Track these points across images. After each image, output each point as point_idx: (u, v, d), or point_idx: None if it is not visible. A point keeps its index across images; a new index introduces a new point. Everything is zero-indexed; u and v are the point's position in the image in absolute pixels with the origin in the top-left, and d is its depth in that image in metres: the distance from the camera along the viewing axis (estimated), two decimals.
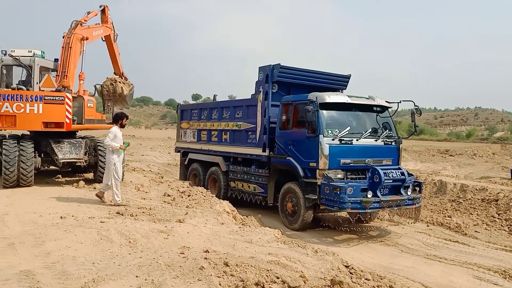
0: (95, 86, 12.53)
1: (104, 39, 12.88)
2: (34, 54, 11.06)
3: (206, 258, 4.98)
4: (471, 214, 10.43)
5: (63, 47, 10.93)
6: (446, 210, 10.97)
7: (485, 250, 8.16)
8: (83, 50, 11.18)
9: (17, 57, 10.92)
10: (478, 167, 18.56)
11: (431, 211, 11.05)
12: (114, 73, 13.47)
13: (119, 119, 8.72)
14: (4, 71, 11.04)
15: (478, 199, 11.09)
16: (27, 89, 10.33)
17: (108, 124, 11.69)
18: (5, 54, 10.93)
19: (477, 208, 10.68)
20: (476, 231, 9.31)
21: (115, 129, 8.53)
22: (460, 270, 6.92)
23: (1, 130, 10.80)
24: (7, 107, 9.71)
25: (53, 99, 10.00)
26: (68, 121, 10.04)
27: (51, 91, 10.28)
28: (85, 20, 11.56)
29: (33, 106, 9.87)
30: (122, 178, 10.84)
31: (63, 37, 11.00)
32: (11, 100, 9.73)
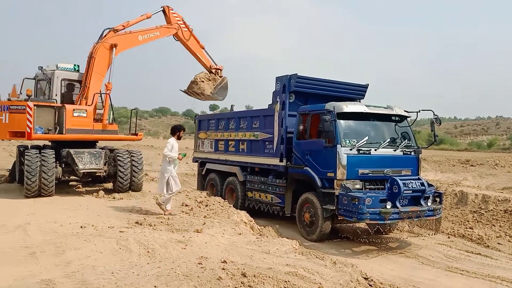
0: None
1: (176, 39, 13.01)
2: (57, 67, 11.37)
3: (223, 269, 4.97)
4: (494, 225, 10.20)
5: (88, 57, 11.18)
6: (468, 221, 10.75)
7: (509, 262, 7.95)
8: (112, 58, 11.28)
9: (44, 72, 11.30)
10: (500, 177, 18.16)
11: (452, 223, 10.84)
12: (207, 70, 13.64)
13: (176, 131, 8.90)
14: (38, 85, 11.64)
15: (501, 210, 10.84)
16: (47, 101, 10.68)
17: (125, 135, 11.82)
18: (40, 69, 11.37)
19: (499, 219, 10.44)
20: (499, 243, 9.09)
21: (173, 140, 8.73)
22: (483, 283, 6.76)
23: None
24: None
25: (16, 108, 10.13)
26: (29, 130, 9.95)
27: (18, 100, 10.44)
28: (123, 26, 11.68)
29: (2, 116, 10.18)
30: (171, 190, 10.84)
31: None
32: None
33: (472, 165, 23.45)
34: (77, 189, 11.23)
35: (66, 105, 10.60)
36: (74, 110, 10.57)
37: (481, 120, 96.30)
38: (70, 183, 12.23)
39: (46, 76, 11.38)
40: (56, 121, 10.60)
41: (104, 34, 11.45)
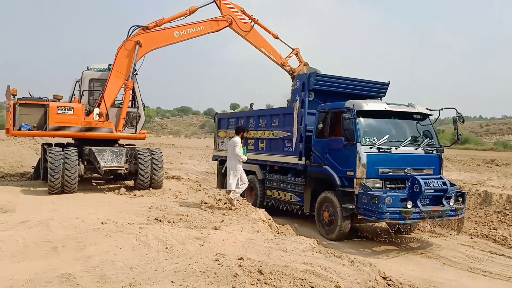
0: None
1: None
2: (88, 68, 11.63)
3: (240, 266, 4.99)
4: None
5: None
6: (492, 222, 10.49)
7: None
8: (134, 56, 11.15)
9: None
10: None
11: (475, 223, 10.60)
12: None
13: (241, 131, 9.43)
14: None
15: None
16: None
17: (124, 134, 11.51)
18: (87, 69, 11.69)
19: None
20: None
21: (239, 140, 9.21)
22: (506, 285, 6.59)
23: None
24: None
25: (7, 108, 10.84)
26: (9, 126, 10.72)
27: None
28: (156, 23, 11.41)
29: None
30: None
31: None
32: None
33: (497, 165, 22.92)
34: (99, 186, 11.42)
35: (51, 103, 10.79)
36: (58, 107, 10.69)
37: (507, 119, 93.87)
38: (92, 180, 12.47)
39: (79, 78, 11.71)
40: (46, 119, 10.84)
41: (131, 32, 11.42)
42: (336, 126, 9.23)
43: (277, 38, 12.55)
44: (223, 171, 13.73)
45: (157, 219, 7.56)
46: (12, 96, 10.71)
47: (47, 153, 10.31)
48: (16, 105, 10.66)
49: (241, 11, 12.11)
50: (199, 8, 11.85)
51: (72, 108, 10.80)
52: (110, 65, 11.46)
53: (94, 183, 12.11)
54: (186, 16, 11.83)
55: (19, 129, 10.67)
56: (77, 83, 11.96)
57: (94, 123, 10.84)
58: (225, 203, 9.39)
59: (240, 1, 12.17)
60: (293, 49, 12.54)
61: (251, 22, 12.22)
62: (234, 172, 9.14)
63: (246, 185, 9.35)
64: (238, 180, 9.14)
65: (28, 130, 10.76)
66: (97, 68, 11.75)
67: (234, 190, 9.08)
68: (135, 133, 11.57)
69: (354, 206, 8.53)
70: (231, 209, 8.85)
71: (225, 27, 12.05)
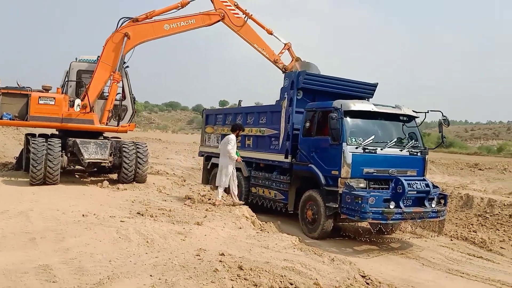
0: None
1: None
2: (76, 59, 11.47)
3: (221, 261, 4.98)
4: (498, 230, 10.08)
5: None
6: (472, 224, 10.64)
7: (510, 267, 7.86)
8: (123, 48, 11.00)
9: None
10: (508, 182, 17.90)
11: (456, 225, 10.74)
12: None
13: (237, 129, 9.47)
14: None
15: (506, 214, 10.71)
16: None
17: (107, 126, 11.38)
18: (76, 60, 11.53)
19: (504, 224, 10.32)
20: (502, 247, 8.98)
21: (234, 137, 9.23)
22: (483, 287, 6.69)
23: None
24: None
25: None
26: None
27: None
28: (146, 15, 11.26)
29: None
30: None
31: None
32: None
33: (480, 169, 23.22)
34: (82, 179, 11.29)
35: (32, 93, 10.60)
36: (39, 97, 10.53)
37: (492, 125, 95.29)
38: (76, 173, 12.33)
39: (68, 69, 11.57)
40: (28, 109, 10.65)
41: (121, 23, 11.26)
42: (323, 125, 9.25)
43: (271, 34, 12.32)
44: (208, 167, 13.71)
45: (139, 213, 7.50)
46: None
47: (30, 143, 10.16)
48: (1, 95, 10.47)
49: (235, 5, 11.88)
50: (191, 1, 11.67)
51: (54, 98, 10.62)
52: (99, 56, 11.34)
53: (77, 176, 11.96)
54: (178, 9, 11.66)
55: (1, 118, 10.49)
56: (66, 74, 11.82)
57: (75, 115, 10.68)
58: (209, 199, 9.38)
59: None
60: (285, 44, 12.33)
61: (244, 17, 11.98)
62: (226, 171, 9.16)
63: (232, 185, 9.32)
64: (230, 178, 9.21)
65: (10, 119, 10.56)
66: (86, 59, 11.61)
67: (221, 185, 9.14)
68: (117, 126, 11.45)
69: (337, 205, 8.57)
70: (214, 204, 8.82)
71: (218, 21, 11.83)
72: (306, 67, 11.68)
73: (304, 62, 11.98)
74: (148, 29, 11.46)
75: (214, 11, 11.77)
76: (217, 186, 9.25)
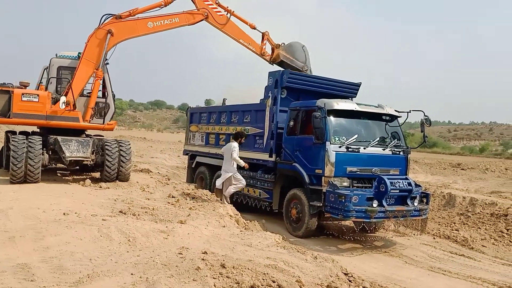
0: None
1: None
2: (56, 55, 11.29)
3: (203, 259, 4.94)
4: (479, 228, 10.22)
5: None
6: (454, 223, 10.77)
7: (492, 265, 7.98)
8: (106, 45, 10.91)
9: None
10: (489, 181, 18.24)
11: (439, 224, 10.86)
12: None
13: (239, 137, 9.78)
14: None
15: (487, 213, 10.87)
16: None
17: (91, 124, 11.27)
18: (56, 56, 11.32)
19: (485, 222, 10.47)
20: (483, 246, 9.11)
21: (237, 145, 9.63)
22: (464, 284, 6.77)
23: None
24: None
25: None
26: None
27: None
28: (129, 13, 11.21)
29: None
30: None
31: None
32: None
33: (463, 169, 23.59)
34: (63, 177, 11.13)
35: (15, 90, 10.39)
36: (23, 94, 10.34)
37: (474, 125, 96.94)
38: (57, 171, 12.15)
39: (46, 65, 11.36)
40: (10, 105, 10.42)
41: (103, 20, 11.14)
42: (307, 124, 9.28)
43: (254, 28, 12.33)
44: (193, 165, 13.65)
45: (121, 212, 7.42)
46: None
47: (10, 141, 9.97)
48: None
49: (216, 3, 11.89)
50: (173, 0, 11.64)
51: (38, 95, 10.44)
52: (80, 53, 11.18)
53: (59, 174, 11.78)
54: (161, 8, 11.59)
55: None
56: (45, 70, 11.62)
57: (60, 112, 10.50)
58: (193, 198, 9.33)
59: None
60: (263, 34, 12.28)
61: (227, 14, 12.01)
62: (225, 174, 9.66)
63: (242, 185, 9.83)
64: (231, 181, 9.73)
65: None
66: (66, 55, 11.44)
67: (222, 188, 9.77)
68: (103, 123, 11.30)
69: (321, 204, 8.60)
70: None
71: (201, 20, 11.81)
72: (290, 49, 11.77)
73: (286, 46, 11.99)
74: (131, 26, 11.35)
75: (197, 10, 11.73)
76: (220, 189, 9.87)
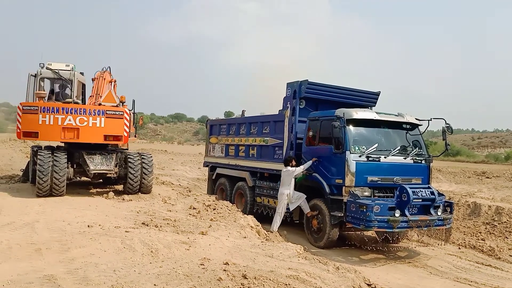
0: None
1: None
2: (73, 68, 11.55)
3: (225, 270, 4.97)
4: (506, 237, 9.98)
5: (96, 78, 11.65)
6: (480, 233, 10.53)
7: None
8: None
9: (57, 71, 11.42)
10: None
11: (464, 234, 10.64)
12: None
13: (290, 161, 9.70)
14: (42, 84, 11.54)
15: None
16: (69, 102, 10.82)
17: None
18: (43, 67, 11.41)
19: None
20: (510, 255, 8.86)
21: (291, 168, 9.58)
22: None
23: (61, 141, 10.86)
24: (70, 120, 10.11)
25: (114, 114, 10.46)
26: (126, 134, 10.54)
27: (112, 106, 10.69)
28: None
29: (96, 120, 10.31)
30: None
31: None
32: (75, 114, 10.14)
33: (488, 177, 23.06)
34: (88, 190, 11.34)
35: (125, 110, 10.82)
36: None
37: (499, 133, 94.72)
38: (82, 184, 12.39)
39: (63, 77, 11.59)
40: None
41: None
42: (326, 134, 9.26)
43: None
44: (213, 177, 13.73)
45: (144, 224, 7.52)
46: (120, 103, 10.88)
47: (37, 156, 10.23)
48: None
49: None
50: None
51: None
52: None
53: (83, 187, 12.02)
54: None
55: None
56: (34, 78, 11.56)
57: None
58: (214, 209, 9.38)
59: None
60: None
61: None
62: (290, 199, 9.67)
63: (301, 198, 9.62)
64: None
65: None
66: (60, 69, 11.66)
67: (292, 202, 9.68)
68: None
69: (342, 214, 8.55)
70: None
71: None
72: None
73: None
74: None
75: None
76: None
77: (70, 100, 10.95)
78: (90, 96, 11.81)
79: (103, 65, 11.82)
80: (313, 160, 9.39)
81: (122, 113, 10.53)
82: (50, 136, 10.23)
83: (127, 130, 10.56)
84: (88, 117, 10.22)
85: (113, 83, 12.25)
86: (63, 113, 10.03)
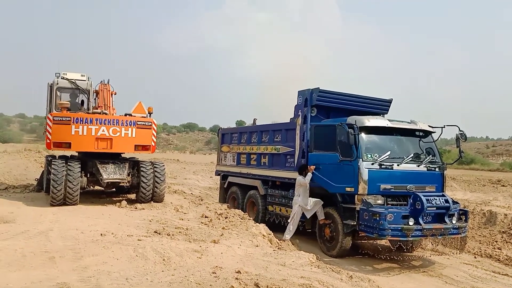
0: None
1: None
2: (88, 78, 11.75)
3: (237, 279, 4.95)
4: None
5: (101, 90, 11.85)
6: (496, 241, 10.35)
7: None
8: None
9: (73, 81, 11.63)
10: None
11: (479, 242, 10.46)
12: None
13: (303, 170, 9.60)
14: (58, 93, 11.75)
15: None
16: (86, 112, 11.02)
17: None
18: (58, 77, 11.62)
19: None
20: None
21: (302, 177, 9.51)
22: None
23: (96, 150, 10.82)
24: (103, 131, 10.39)
25: (143, 124, 10.85)
26: (153, 144, 10.96)
27: (142, 117, 10.99)
28: None
29: (128, 130, 10.63)
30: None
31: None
32: (108, 124, 10.42)
33: (503, 185, 22.70)
34: (101, 199, 11.44)
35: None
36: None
37: None
38: (94, 193, 12.50)
39: (81, 87, 11.83)
40: None
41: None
42: (334, 141, 9.19)
43: None
44: (225, 186, 13.73)
45: (156, 232, 7.54)
46: (148, 114, 11.23)
47: (51, 165, 10.35)
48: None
49: None
50: None
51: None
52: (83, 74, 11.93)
53: (96, 196, 12.12)
54: None
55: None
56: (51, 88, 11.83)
57: None
58: (225, 218, 9.37)
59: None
60: None
61: None
62: (304, 207, 9.53)
63: (318, 204, 9.45)
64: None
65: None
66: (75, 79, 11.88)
67: (307, 209, 9.47)
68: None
69: (355, 223, 8.47)
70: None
71: None
72: None
73: None
74: None
75: None
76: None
77: (99, 110, 11.11)
78: (98, 107, 11.94)
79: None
80: (311, 169, 9.42)
81: (150, 123, 10.96)
82: (83, 147, 10.48)
83: (155, 140, 11.02)
84: (121, 128, 10.54)
85: (113, 95, 12.40)
86: (96, 123, 10.30)
